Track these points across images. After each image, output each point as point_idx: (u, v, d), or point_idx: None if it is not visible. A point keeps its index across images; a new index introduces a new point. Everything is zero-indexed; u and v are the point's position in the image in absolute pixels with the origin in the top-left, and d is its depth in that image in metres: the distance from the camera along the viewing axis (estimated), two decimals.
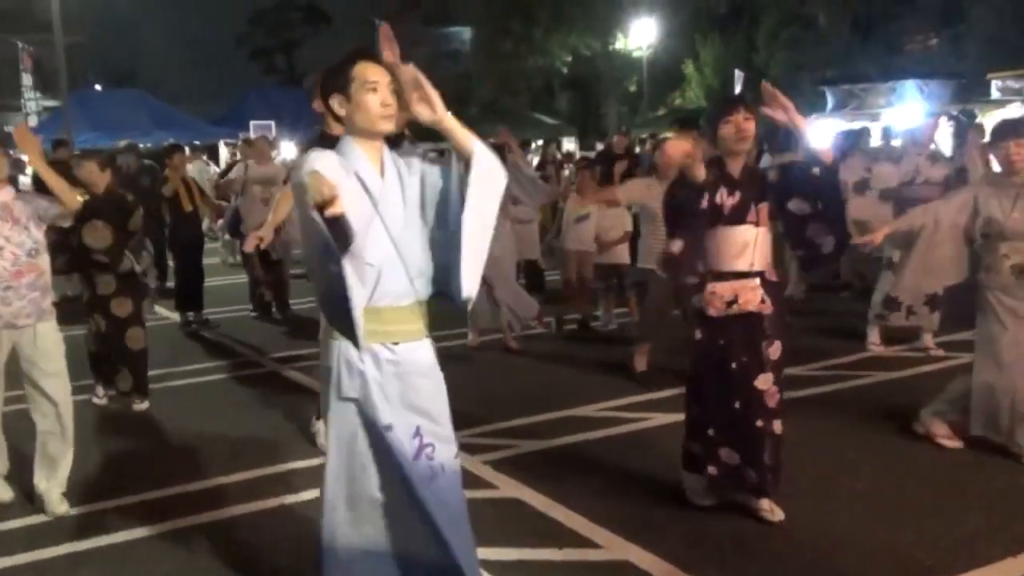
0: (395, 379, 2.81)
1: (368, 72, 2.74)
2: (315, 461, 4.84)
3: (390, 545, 2.88)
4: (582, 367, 6.81)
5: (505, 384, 6.47)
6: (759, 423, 3.87)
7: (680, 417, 5.45)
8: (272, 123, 21.76)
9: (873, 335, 7.00)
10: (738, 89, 16.78)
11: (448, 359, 7.05)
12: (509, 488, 4.43)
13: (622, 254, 7.76)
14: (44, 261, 4.35)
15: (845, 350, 6.95)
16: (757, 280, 3.86)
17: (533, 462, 4.80)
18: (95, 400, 6.16)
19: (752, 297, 3.84)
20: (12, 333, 4.24)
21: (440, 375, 2.94)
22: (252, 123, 21.59)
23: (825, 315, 8.25)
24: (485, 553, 3.71)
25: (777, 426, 3.91)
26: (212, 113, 28.09)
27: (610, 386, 6.15)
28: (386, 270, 2.76)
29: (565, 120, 32.03)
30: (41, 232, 4.35)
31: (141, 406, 6.06)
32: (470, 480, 4.54)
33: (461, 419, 5.39)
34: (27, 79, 22.05)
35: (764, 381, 3.86)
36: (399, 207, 2.80)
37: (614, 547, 3.78)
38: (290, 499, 4.35)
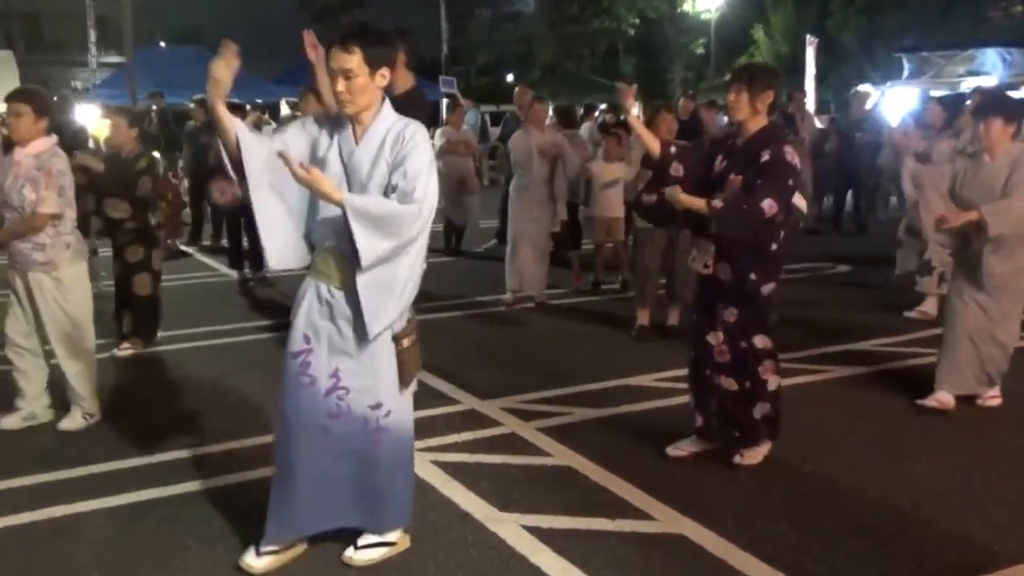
0: (329, 319, 3.18)
1: (331, 61, 3.04)
2: None
3: (304, 460, 3.22)
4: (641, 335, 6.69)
5: (561, 350, 6.40)
6: (707, 372, 4.21)
7: None
8: None
9: (927, 304, 6.77)
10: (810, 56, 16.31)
11: (504, 324, 7.15)
12: (563, 456, 4.37)
13: None
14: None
15: (909, 326, 6.74)
16: (712, 246, 4.07)
17: (588, 430, 4.73)
18: (116, 353, 6.24)
19: (701, 257, 4.11)
20: (16, 273, 4.69)
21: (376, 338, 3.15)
22: None
23: (884, 289, 8.00)
24: (536, 520, 3.69)
25: (726, 382, 4.16)
26: (274, 73, 28.19)
27: (669, 355, 6.04)
28: (338, 219, 3.02)
29: (629, 84, 31.52)
30: (38, 194, 4.51)
31: (124, 352, 6.22)
32: (524, 446, 4.51)
33: (516, 384, 5.44)
34: (93, 35, 22.32)
35: (714, 338, 4.14)
36: (364, 172, 3.10)
37: (668, 520, 3.70)
38: None
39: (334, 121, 3.20)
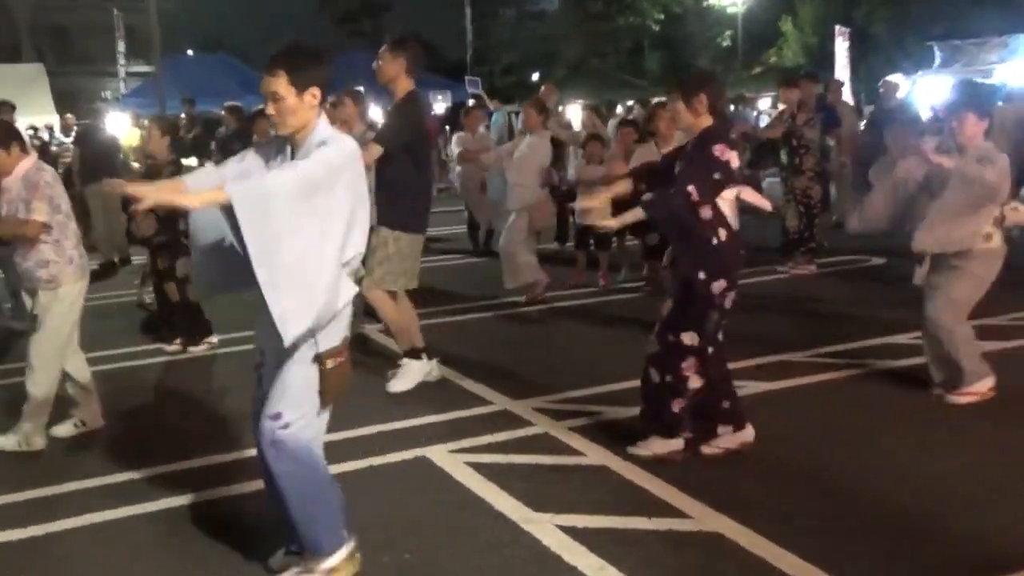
0: (265, 335, 3.20)
1: (259, 86, 3.08)
2: (401, 424, 4.85)
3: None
4: None
5: (591, 349, 6.37)
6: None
7: (775, 386, 5.29)
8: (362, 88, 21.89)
9: None
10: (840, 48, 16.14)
11: (533, 324, 7.14)
12: (597, 455, 4.35)
13: None
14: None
15: None
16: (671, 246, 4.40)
17: (621, 429, 4.69)
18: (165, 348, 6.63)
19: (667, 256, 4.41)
20: (27, 293, 4.75)
21: (295, 351, 3.08)
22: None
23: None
24: (572, 520, 3.67)
25: (649, 372, 4.30)
26: None
27: None
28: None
29: (655, 80, 31.42)
30: (39, 213, 4.47)
31: (170, 347, 6.56)
32: (558, 446, 4.49)
33: (547, 384, 5.43)
34: (121, 46, 22.59)
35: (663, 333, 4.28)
36: None
37: (705, 519, 3.67)
38: (378, 461, 4.36)
39: (283, 141, 3.17)
